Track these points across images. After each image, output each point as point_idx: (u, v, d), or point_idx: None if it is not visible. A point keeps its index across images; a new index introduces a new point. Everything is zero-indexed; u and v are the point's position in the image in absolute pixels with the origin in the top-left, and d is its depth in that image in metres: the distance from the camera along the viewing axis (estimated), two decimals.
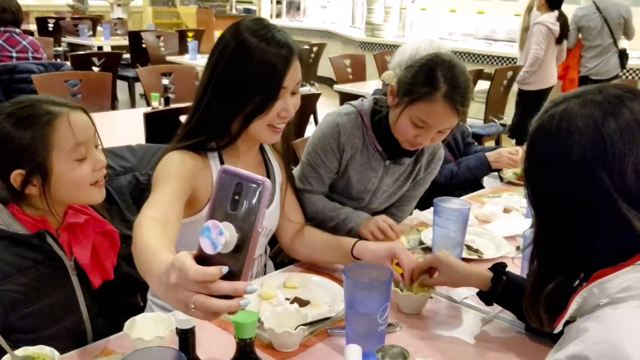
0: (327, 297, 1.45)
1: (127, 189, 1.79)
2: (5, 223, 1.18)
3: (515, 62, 6.24)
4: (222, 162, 1.46)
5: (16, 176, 1.17)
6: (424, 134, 1.58)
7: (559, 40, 5.06)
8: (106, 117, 3.42)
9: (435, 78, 1.52)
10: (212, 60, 1.39)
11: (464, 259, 1.59)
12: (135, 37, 6.66)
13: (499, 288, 1.30)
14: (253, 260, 0.82)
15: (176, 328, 1.02)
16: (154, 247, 1.00)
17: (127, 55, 6.70)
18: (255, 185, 0.76)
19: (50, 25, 7.76)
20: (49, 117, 1.18)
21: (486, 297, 1.34)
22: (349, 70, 5.25)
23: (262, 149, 1.63)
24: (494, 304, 1.35)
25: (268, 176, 1.62)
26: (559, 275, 0.90)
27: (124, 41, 7.17)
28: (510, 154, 2.36)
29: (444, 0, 7.72)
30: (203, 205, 1.44)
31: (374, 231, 1.66)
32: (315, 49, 6.48)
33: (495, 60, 6.76)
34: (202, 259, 0.78)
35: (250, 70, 1.33)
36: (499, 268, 1.33)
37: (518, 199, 2.19)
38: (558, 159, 0.86)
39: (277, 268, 1.78)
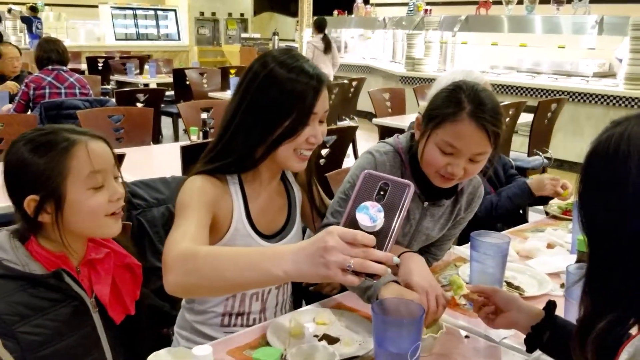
0: (359, 334, 1.39)
1: (160, 220, 1.79)
2: (21, 262, 1.16)
3: (560, 95, 6.12)
4: (242, 188, 1.47)
5: (30, 202, 1.16)
6: (455, 162, 1.47)
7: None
8: (147, 150, 3.49)
9: (459, 99, 1.45)
10: (241, 88, 1.43)
11: None
12: (179, 74, 6.82)
13: (545, 337, 1.20)
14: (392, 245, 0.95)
15: None
16: (248, 248, 1.15)
17: (171, 93, 6.86)
18: (402, 185, 0.93)
19: (100, 65, 8.05)
20: (67, 144, 1.17)
21: (530, 343, 1.25)
22: (388, 103, 5.23)
23: (283, 179, 1.61)
24: None
25: (289, 208, 1.59)
26: (610, 314, 0.81)
27: (169, 78, 7.36)
28: (553, 180, 2.26)
29: (485, 33, 7.66)
30: (223, 233, 1.44)
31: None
32: (354, 83, 6.50)
33: (538, 93, 6.64)
34: None
35: (281, 97, 1.36)
36: (549, 310, 1.23)
37: (563, 234, 2.09)
38: (614, 183, 0.80)
39: (309, 301, 1.73)
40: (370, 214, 0.91)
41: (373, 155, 1.62)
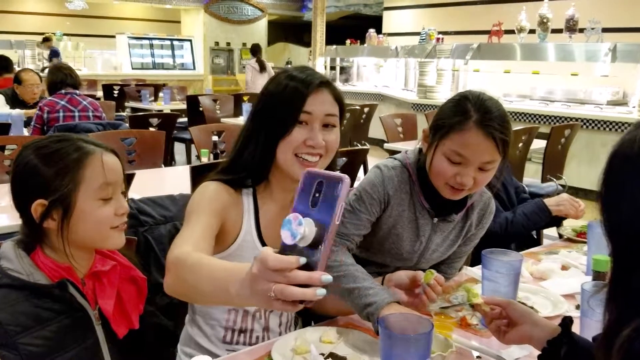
0: (367, 354, 1.35)
1: (167, 238, 1.77)
2: (26, 272, 1.15)
3: (573, 121, 6.08)
4: (255, 202, 1.48)
5: (37, 206, 1.16)
6: (464, 172, 1.45)
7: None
8: (158, 172, 3.50)
9: (465, 108, 1.46)
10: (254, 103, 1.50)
11: None
12: (193, 101, 6.88)
13: (562, 352, 1.14)
14: (330, 252, 0.88)
15: None
16: (226, 263, 1.04)
17: (184, 119, 6.91)
18: (334, 181, 0.81)
19: (116, 92, 8.15)
20: (81, 153, 1.18)
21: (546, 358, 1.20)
22: (400, 129, 5.22)
23: None
24: None
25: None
26: (636, 321, 0.78)
27: (183, 105, 7.42)
28: (573, 200, 2.22)
29: (497, 61, 7.68)
30: (230, 243, 1.44)
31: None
32: (366, 109, 6.51)
33: (552, 120, 6.60)
34: (283, 254, 0.82)
35: (277, 101, 1.40)
36: (566, 326, 1.17)
37: (577, 256, 2.03)
38: (637, 185, 0.77)
39: (318, 321, 1.68)
40: (292, 230, 0.80)
41: (381, 170, 1.61)
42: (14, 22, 13.78)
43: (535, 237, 2.77)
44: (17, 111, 4.75)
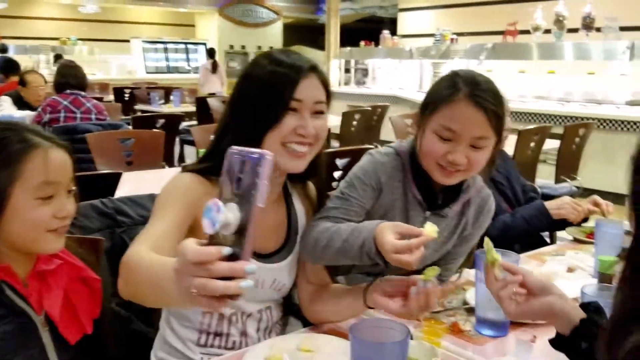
0: None
1: None
2: None
3: (590, 121, 5.91)
4: None
5: None
6: (455, 148, 1.37)
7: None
8: (156, 173, 3.41)
9: (455, 82, 1.39)
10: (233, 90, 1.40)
11: (518, 323, 1.38)
12: (202, 103, 6.83)
13: (583, 344, 1.01)
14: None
15: None
16: (164, 260, 0.94)
17: (194, 122, 6.86)
18: (255, 159, 0.73)
19: (127, 95, 8.14)
20: (25, 146, 1.08)
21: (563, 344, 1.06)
22: (410, 129, 5.10)
23: (287, 195, 1.49)
24: None
25: (289, 224, 1.47)
26: None
27: (193, 108, 7.38)
28: (575, 203, 2.09)
29: (512, 61, 7.51)
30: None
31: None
32: (378, 110, 6.40)
33: (568, 121, 6.41)
34: (210, 245, 0.75)
35: (260, 88, 1.30)
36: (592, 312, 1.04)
37: (585, 257, 1.91)
38: None
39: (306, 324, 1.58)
40: (212, 217, 0.73)
41: (373, 156, 1.53)
42: (29, 28, 13.89)
43: (549, 238, 2.63)
44: (20, 113, 4.72)
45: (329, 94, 1.39)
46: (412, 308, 1.23)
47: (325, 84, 1.37)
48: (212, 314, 1.39)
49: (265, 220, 1.43)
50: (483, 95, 1.36)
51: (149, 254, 1.02)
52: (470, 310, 1.49)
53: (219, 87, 10.25)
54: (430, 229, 1.19)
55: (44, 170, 1.08)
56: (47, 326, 1.12)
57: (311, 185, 1.55)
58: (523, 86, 7.51)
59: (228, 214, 0.72)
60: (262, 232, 1.41)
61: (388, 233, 1.22)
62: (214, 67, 10.41)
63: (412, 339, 1.22)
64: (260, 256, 1.40)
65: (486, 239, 1.22)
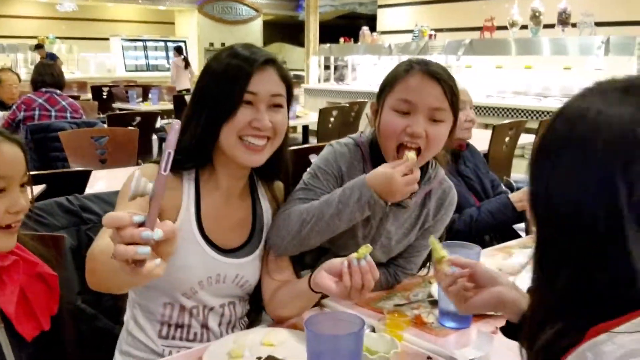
0: None
1: None
2: None
3: None
4: (197, 190, 1.39)
5: None
6: (413, 120, 1.39)
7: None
8: (130, 170, 3.39)
9: (409, 63, 1.46)
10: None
11: (480, 315, 1.38)
12: (179, 100, 6.80)
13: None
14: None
15: None
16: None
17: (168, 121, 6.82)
18: (171, 130, 0.76)
19: (105, 93, 8.07)
20: None
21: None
22: (368, 118, 5.12)
23: (254, 190, 1.49)
24: None
25: (254, 219, 1.47)
26: (557, 322, 0.69)
27: (172, 105, 7.34)
28: None
29: (490, 57, 7.57)
30: None
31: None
32: (356, 107, 6.42)
33: (545, 116, 6.48)
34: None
35: (215, 81, 1.33)
36: None
37: None
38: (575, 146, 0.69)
39: None
40: (131, 186, 0.79)
41: (333, 147, 1.56)
42: (6, 26, 13.72)
43: (525, 232, 2.65)
44: None
45: (289, 88, 1.39)
46: (346, 286, 1.21)
47: (284, 77, 1.37)
48: (172, 305, 1.39)
49: (229, 215, 1.43)
50: (436, 69, 1.42)
51: (109, 242, 1.03)
52: (434, 303, 1.50)
53: (187, 82, 10.49)
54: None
55: None
56: (2, 323, 1.11)
57: (280, 186, 1.55)
58: (501, 82, 7.57)
59: (140, 182, 0.76)
60: (225, 226, 1.42)
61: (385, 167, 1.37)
62: (186, 63, 10.64)
63: (374, 331, 1.24)
64: (223, 251, 1.40)
65: (431, 237, 1.23)
